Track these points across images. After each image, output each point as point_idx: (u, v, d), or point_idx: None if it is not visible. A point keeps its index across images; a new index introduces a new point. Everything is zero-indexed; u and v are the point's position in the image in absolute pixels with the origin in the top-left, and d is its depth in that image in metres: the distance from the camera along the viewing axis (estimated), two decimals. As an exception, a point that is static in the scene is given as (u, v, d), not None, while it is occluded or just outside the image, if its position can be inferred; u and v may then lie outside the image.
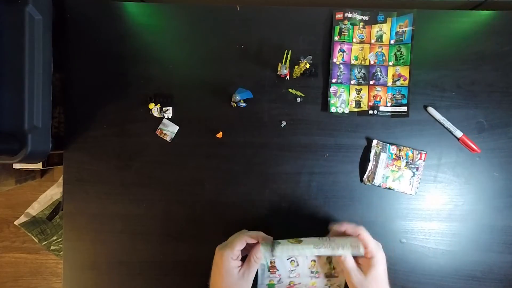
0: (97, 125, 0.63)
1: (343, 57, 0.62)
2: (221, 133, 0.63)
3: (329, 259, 0.54)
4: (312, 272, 0.55)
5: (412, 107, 0.62)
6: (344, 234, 0.52)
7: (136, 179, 0.63)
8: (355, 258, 0.50)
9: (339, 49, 0.62)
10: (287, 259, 0.54)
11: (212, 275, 0.51)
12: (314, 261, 0.54)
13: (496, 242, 0.62)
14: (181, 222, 0.63)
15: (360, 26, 0.62)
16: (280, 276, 0.54)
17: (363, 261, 0.50)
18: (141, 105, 0.63)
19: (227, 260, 0.49)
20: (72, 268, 0.63)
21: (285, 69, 0.59)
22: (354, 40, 0.62)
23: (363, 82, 0.63)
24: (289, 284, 0.54)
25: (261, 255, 0.50)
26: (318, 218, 0.63)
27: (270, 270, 0.54)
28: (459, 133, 0.61)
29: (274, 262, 0.54)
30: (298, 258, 0.54)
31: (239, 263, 0.50)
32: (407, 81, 0.62)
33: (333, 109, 0.62)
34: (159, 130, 0.63)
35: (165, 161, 0.63)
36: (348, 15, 0.62)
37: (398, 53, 0.63)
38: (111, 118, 0.63)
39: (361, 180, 0.62)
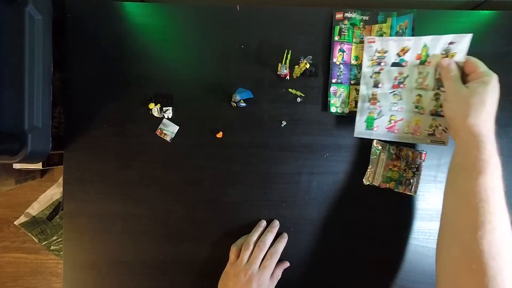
0: (97, 125, 0.63)
1: (343, 57, 0.62)
2: (221, 133, 0.63)
3: (437, 95, 0.51)
4: (416, 107, 0.53)
5: (412, 107, 0.62)
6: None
7: (136, 179, 0.63)
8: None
9: (339, 49, 0.62)
10: (390, 93, 0.52)
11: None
12: (420, 95, 0.52)
13: (496, 242, 0.62)
14: (181, 222, 0.63)
15: (360, 26, 0.62)
16: (381, 108, 0.52)
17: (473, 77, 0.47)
18: (141, 105, 0.63)
19: (267, 282, 0.53)
20: (72, 268, 0.63)
21: (285, 69, 0.59)
22: (354, 40, 0.62)
23: (363, 82, 0.63)
24: (390, 120, 0.52)
25: (280, 273, 0.59)
26: (318, 218, 0.63)
27: (371, 101, 0.53)
28: (459, 133, 0.61)
29: (376, 93, 0.52)
30: (401, 92, 0.52)
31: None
32: (407, 81, 0.62)
33: (333, 109, 0.62)
34: (159, 130, 0.63)
35: (165, 161, 0.63)
36: (348, 15, 0.62)
37: (398, 53, 0.63)
38: (111, 118, 0.63)
39: (361, 180, 0.62)
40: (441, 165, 0.62)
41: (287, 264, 0.62)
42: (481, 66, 0.48)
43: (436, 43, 0.55)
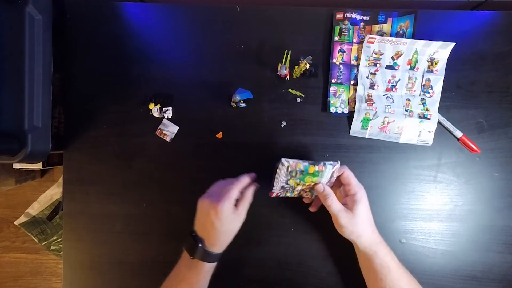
0: (97, 125, 0.63)
1: (343, 57, 0.62)
2: (221, 133, 0.63)
3: (423, 100, 0.59)
4: (406, 110, 0.59)
5: (412, 107, 0.62)
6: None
7: (136, 179, 0.63)
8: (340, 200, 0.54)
9: (339, 49, 0.62)
10: (383, 95, 0.59)
11: (207, 223, 0.52)
12: (409, 100, 0.58)
13: (496, 242, 0.62)
14: (181, 222, 0.63)
15: (361, 26, 0.62)
16: (376, 110, 0.58)
17: (347, 201, 0.54)
18: (141, 105, 0.63)
19: (228, 209, 0.51)
20: (72, 268, 0.63)
21: (285, 69, 0.59)
22: (354, 40, 0.62)
23: (363, 82, 0.63)
24: (383, 122, 0.58)
25: (250, 195, 0.55)
26: (318, 218, 0.63)
27: (367, 102, 0.58)
28: (459, 133, 0.61)
29: (372, 95, 0.58)
30: (393, 95, 0.59)
31: (234, 206, 0.52)
32: (407, 81, 0.63)
33: (332, 109, 0.62)
34: (159, 130, 0.63)
35: (165, 161, 0.63)
36: (348, 15, 0.62)
37: (398, 53, 0.63)
38: (111, 118, 0.63)
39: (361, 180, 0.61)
40: (441, 165, 0.62)
41: (256, 186, 0.57)
42: (353, 180, 0.54)
43: (426, 49, 0.60)
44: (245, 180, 0.55)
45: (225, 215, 0.51)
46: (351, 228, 0.52)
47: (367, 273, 0.56)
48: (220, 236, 0.52)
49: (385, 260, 0.53)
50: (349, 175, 0.54)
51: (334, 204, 0.52)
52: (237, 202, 0.53)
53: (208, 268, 0.53)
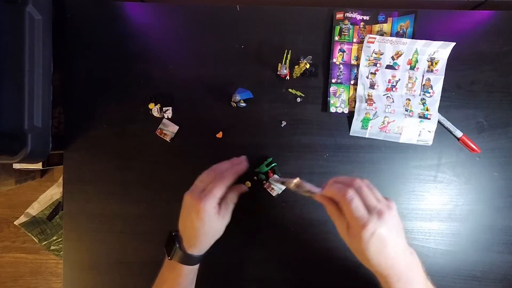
0: (97, 125, 0.63)
1: (343, 57, 0.62)
2: (221, 133, 0.63)
3: (423, 100, 0.59)
4: (406, 110, 0.59)
5: (412, 107, 0.62)
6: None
7: (136, 179, 0.63)
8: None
9: (339, 49, 0.62)
10: (383, 95, 0.59)
11: (187, 222, 0.48)
12: (409, 99, 0.58)
13: (496, 242, 0.62)
14: (181, 222, 0.63)
15: (361, 26, 0.62)
16: (376, 110, 0.58)
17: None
18: (141, 105, 0.63)
19: (210, 209, 0.46)
20: (72, 268, 0.63)
21: (285, 69, 0.59)
22: (355, 40, 0.62)
23: (363, 82, 0.63)
24: (383, 122, 0.58)
25: (235, 197, 0.51)
26: (318, 218, 0.63)
27: (368, 102, 0.58)
28: (459, 133, 0.61)
29: (372, 95, 0.58)
30: (393, 95, 0.59)
31: (217, 206, 0.48)
32: (407, 81, 0.63)
33: (332, 109, 0.62)
34: (159, 130, 0.63)
35: (165, 161, 0.63)
36: (348, 15, 0.62)
37: (398, 53, 0.63)
38: (111, 118, 0.63)
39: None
40: (441, 165, 0.62)
41: (243, 188, 0.55)
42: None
43: (426, 49, 0.60)
44: (234, 171, 0.49)
45: (207, 215, 0.46)
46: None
47: None
48: (200, 238, 0.48)
49: None
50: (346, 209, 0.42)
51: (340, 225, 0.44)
52: (221, 202, 0.49)
53: (188, 271, 0.50)
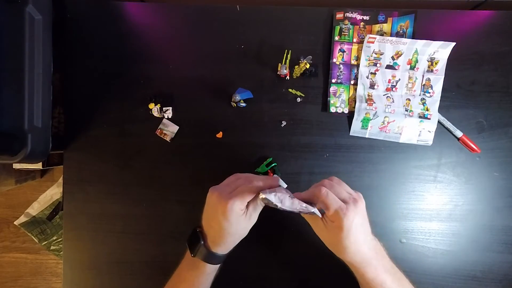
0: (97, 125, 0.63)
1: (343, 57, 0.62)
2: (221, 133, 0.63)
3: (423, 100, 0.59)
4: (406, 110, 0.59)
5: (412, 107, 0.62)
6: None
7: (136, 179, 0.63)
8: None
9: (339, 49, 0.62)
10: (383, 95, 0.59)
11: (213, 221, 0.47)
12: (409, 99, 0.59)
13: (496, 242, 0.62)
14: (181, 222, 0.63)
15: (361, 26, 0.62)
16: (376, 110, 0.58)
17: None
18: (141, 105, 0.63)
19: (238, 211, 0.44)
20: (72, 268, 0.63)
21: (285, 69, 0.59)
22: (355, 40, 0.62)
23: (363, 82, 0.63)
24: (383, 122, 0.58)
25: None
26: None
27: (368, 102, 0.58)
28: (459, 133, 0.61)
29: (372, 95, 0.58)
30: (393, 95, 0.59)
31: (245, 208, 0.46)
32: (407, 81, 0.63)
33: (332, 109, 0.62)
34: (159, 130, 0.63)
35: (165, 161, 0.63)
36: (348, 15, 0.62)
37: (398, 53, 0.63)
38: (111, 118, 0.63)
39: (361, 179, 0.62)
40: (441, 165, 0.62)
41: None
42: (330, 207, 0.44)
43: (426, 49, 0.60)
44: (266, 182, 0.46)
45: (234, 216, 0.44)
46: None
47: None
48: (225, 237, 0.47)
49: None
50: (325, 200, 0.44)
51: (315, 224, 0.47)
52: (249, 204, 0.46)
53: (210, 271, 0.49)
